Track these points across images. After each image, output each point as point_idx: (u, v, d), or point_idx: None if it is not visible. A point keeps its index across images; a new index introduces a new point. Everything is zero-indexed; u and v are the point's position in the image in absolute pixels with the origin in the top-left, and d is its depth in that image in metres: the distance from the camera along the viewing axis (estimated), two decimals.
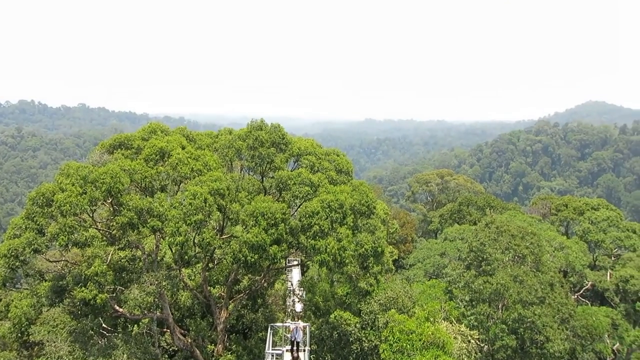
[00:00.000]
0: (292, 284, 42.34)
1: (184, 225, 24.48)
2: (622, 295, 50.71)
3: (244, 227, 26.68)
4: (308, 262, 47.58)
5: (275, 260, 26.79)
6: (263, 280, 35.68)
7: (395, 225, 62.74)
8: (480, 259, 39.57)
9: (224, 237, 28.62)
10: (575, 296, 51.15)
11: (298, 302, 39.63)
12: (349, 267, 27.78)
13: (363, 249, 28.00)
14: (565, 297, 39.95)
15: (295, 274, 48.63)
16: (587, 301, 51.99)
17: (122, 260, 29.74)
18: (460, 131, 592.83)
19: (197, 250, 27.97)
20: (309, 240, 26.73)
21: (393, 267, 54.12)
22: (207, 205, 25.09)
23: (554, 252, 48.93)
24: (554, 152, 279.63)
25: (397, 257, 60.55)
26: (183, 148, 29.14)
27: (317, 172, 30.20)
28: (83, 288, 27.57)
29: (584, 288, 52.59)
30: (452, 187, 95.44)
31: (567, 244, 51.83)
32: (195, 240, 26.30)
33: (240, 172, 33.29)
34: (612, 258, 56.70)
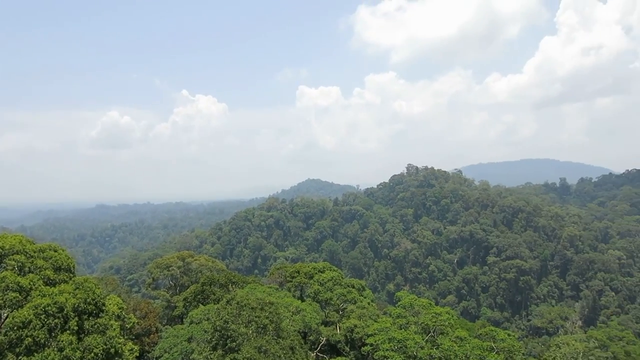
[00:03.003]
0: None
1: None
2: (350, 344, 57.65)
3: None
4: None
5: None
6: None
7: (132, 318, 57.59)
8: (226, 336, 39.50)
9: None
10: (315, 353, 55.64)
11: None
12: None
13: (92, 354, 24.48)
14: (306, 357, 42.97)
15: None
16: (325, 356, 57.21)
17: None
18: (200, 211, 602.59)
19: None
20: (21, 357, 22.03)
21: None
22: None
23: (292, 316, 52.64)
24: (285, 225, 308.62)
25: (139, 353, 55.12)
26: None
27: (28, 273, 25.69)
28: None
29: (320, 344, 57.81)
30: (195, 268, 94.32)
31: (302, 306, 56.59)
32: None
33: None
34: (340, 312, 64.46)
